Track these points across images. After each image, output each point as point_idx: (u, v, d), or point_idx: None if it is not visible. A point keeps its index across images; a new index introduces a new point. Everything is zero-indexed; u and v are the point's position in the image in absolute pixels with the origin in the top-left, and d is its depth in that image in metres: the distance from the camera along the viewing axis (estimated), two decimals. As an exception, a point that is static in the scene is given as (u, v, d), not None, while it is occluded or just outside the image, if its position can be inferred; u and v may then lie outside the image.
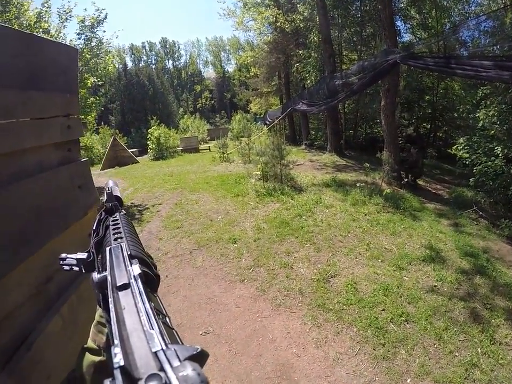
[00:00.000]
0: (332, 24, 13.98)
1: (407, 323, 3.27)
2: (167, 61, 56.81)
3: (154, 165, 13.82)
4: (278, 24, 15.35)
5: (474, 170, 7.16)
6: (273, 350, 2.88)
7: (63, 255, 0.58)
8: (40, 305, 0.84)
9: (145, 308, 0.29)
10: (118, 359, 0.22)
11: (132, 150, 16.97)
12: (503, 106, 7.06)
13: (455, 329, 3.23)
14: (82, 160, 1.09)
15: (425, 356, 2.89)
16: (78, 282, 1.00)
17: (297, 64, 16.36)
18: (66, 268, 0.57)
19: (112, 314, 0.29)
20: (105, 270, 0.39)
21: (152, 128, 16.31)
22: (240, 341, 3.03)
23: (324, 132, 17.01)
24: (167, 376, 0.20)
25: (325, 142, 15.45)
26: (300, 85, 17.84)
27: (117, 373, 0.21)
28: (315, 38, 14.73)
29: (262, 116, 25.85)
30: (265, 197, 7.15)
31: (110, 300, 0.32)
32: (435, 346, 3.01)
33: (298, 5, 15.42)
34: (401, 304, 3.56)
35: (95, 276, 0.39)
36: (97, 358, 0.52)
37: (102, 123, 22.12)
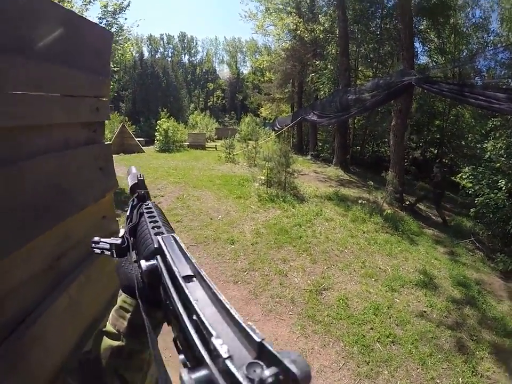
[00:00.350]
0: (350, 38, 14.12)
1: (393, 344, 3.30)
2: (183, 55, 57.11)
3: (159, 156, 13.85)
4: (298, 32, 15.47)
5: (476, 201, 7.17)
6: (261, 355, 2.87)
7: (96, 238, 0.58)
8: (50, 282, 0.86)
9: (222, 298, 0.29)
10: (224, 350, 0.23)
11: (138, 139, 16.99)
12: None
13: (439, 356, 3.25)
14: (106, 143, 1.11)
15: (407, 379, 2.91)
16: (88, 262, 1.01)
17: (313, 74, 16.49)
18: (98, 251, 0.58)
19: (180, 305, 0.29)
20: (146, 257, 0.39)
21: (162, 120, 16.34)
22: (229, 342, 3.03)
23: (331, 144, 17.08)
24: (280, 360, 0.22)
25: (331, 155, 15.51)
26: (313, 95, 17.96)
27: (226, 363, 0.22)
28: (333, 50, 14.85)
29: (271, 121, 25.94)
30: (267, 202, 7.18)
31: (173, 290, 0.32)
32: (418, 370, 3.03)
33: (319, 16, 15.50)
34: (390, 325, 3.58)
35: (144, 263, 0.38)
36: (115, 343, 0.52)
37: (113, 109, 22.18)
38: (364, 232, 6.22)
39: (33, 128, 0.76)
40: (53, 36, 0.82)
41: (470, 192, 7.64)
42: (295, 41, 17.25)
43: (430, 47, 15.61)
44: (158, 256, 0.39)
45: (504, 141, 7.26)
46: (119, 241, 0.56)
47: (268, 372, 0.21)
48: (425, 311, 3.99)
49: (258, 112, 28.35)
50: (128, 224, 0.58)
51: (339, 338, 3.26)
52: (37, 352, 0.79)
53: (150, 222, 0.52)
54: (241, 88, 52.94)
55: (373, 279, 4.55)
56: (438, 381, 2.96)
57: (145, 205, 0.61)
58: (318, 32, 15.04)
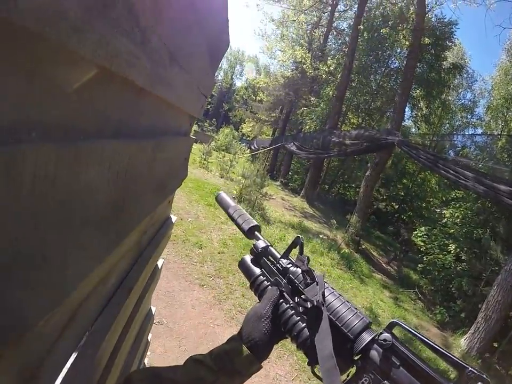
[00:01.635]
0: (349, 86, 14.86)
1: None
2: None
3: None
4: (304, 66, 15.89)
5: (424, 258, 7.94)
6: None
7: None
8: (137, 254, 0.92)
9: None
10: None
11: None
12: (468, 212, 8.02)
13: None
14: (192, 136, 1.25)
15: None
16: (159, 239, 1.11)
17: (305, 108, 16.98)
18: None
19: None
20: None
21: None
22: (191, 340, 3.10)
23: (302, 176, 17.63)
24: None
25: (299, 187, 15.98)
26: (298, 127, 18.48)
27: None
28: (330, 92, 15.49)
29: (249, 138, 26.33)
30: (235, 217, 7.29)
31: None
32: None
33: (328, 58, 16.21)
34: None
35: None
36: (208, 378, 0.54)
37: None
38: (320, 265, 6.56)
39: (171, 107, 0.78)
40: (207, 32, 0.90)
41: (421, 249, 8.45)
42: (296, 72, 17.75)
43: (417, 113, 16.94)
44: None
45: (462, 212, 8.15)
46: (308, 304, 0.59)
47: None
48: None
49: (240, 128, 28.67)
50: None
51: (292, 353, 3.46)
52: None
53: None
54: (229, 99, 53.28)
55: None
56: None
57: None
58: (321, 71, 15.61)
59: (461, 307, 6.79)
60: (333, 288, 0.62)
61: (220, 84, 56.92)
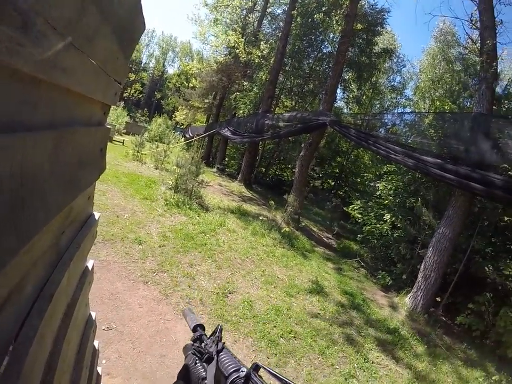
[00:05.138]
0: (282, 70, 15.05)
1: (295, 339, 3.78)
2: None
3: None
4: (237, 51, 15.76)
5: (363, 229, 8.62)
6: (177, 352, 2.95)
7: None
8: (56, 258, 0.84)
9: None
10: None
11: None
12: (400, 184, 8.76)
13: (335, 347, 3.88)
14: (108, 126, 1.17)
15: (311, 366, 3.41)
16: (80, 239, 1.04)
17: (238, 93, 16.90)
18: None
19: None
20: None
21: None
22: (144, 340, 3.01)
23: (238, 161, 17.72)
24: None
25: (236, 171, 16.08)
26: (232, 112, 18.40)
27: None
28: (263, 77, 15.57)
29: (183, 127, 25.54)
30: (173, 207, 7.14)
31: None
32: (319, 359, 3.57)
33: (262, 42, 16.22)
34: (290, 324, 4.07)
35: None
36: None
37: None
38: (263, 245, 6.74)
39: (72, 94, 0.71)
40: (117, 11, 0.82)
41: (359, 221, 9.13)
42: (229, 58, 17.59)
43: (349, 95, 17.91)
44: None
45: (394, 184, 8.88)
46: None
47: None
48: (319, 313, 4.66)
49: (174, 116, 27.58)
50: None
51: (247, 335, 3.56)
52: None
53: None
54: (161, 87, 50.62)
55: (273, 286, 5.04)
56: (337, 367, 3.57)
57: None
58: (254, 56, 15.58)
59: (401, 270, 7.42)
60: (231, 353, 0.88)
61: (152, 71, 53.78)
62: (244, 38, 16.72)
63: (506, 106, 7.74)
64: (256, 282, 5.02)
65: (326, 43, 16.77)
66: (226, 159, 19.05)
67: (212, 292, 4.29)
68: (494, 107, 6.64)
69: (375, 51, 15.97)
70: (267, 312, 4.17)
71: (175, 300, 3.82)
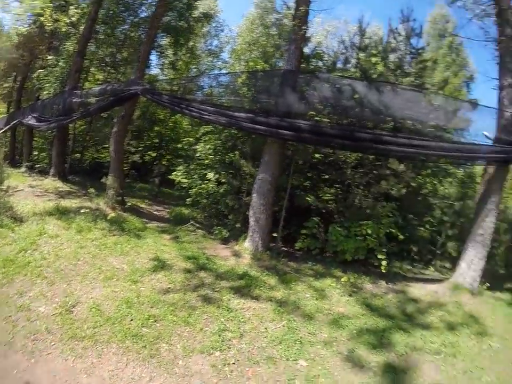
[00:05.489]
0: (92, 38, 13.14)
1: (157, 322, 3.78)
2: None
3: None
4: (42, 18, 12.34)
5: (190, 192, 8.92)
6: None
7: None
8: None
9: None
10: None
11: None
12: (218, 142, 9.23)
13: (197, 312, 4.10)
14: None
15: (183, 339, 3.54)
16: None
17: (41, 70, 13.65)
18: None
19: None
20: None
21: None
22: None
23: (48, 153, 15.13)
24: None
25: (48, 165, 13.73)
26: (36, 94, 14.99)
27: None
28: (70, 48, 13.01)
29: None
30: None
31: None
32: (187, 330, 3.72)
33: (71, 7, 13.12)
34: (146, 310, 4.01)
35: None
36: None
37: None
38: (92, 240, 6.04)
39: None
40: None
41: (184, 186, 9.36)
42: (34, 28, 13.75)
43: (164, 61, 17.07)
44: None
45: (213, 143, 9.28)
46: None
47: None
48: (169, 287, 4.71)
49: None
50: None
51: (109, 342, 3.32)
52: None
53: None
54: None
55: (114, 280, 4.69)
56: (207, 328, 3.80)
57: None
58: (62, 23, 12.51)
59: (234, 220, 8.01)
60: None
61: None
62: (53, 2, 13.34)
63: (314, 65, 8.79)
64: (95, 283, 4.58)
65: (144, 7, 15.32)
66: (35, 153, 15.98)
67: (54, 314, 3.70)
68: (302, 65, 7.65)
69: (194, 15, 15.60)
70: (118, 309, 3.95)
71: (20, 343, 3.12)
